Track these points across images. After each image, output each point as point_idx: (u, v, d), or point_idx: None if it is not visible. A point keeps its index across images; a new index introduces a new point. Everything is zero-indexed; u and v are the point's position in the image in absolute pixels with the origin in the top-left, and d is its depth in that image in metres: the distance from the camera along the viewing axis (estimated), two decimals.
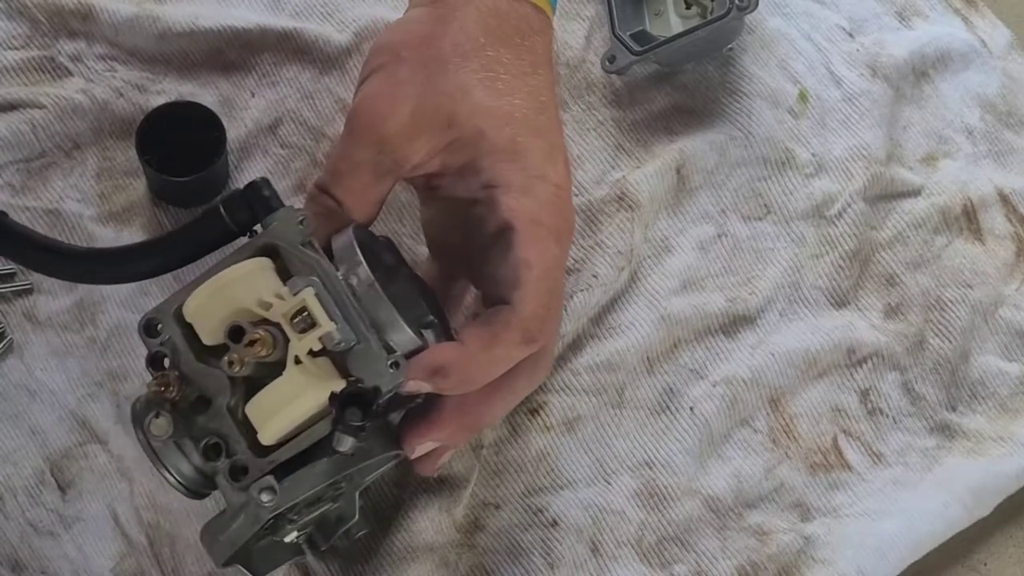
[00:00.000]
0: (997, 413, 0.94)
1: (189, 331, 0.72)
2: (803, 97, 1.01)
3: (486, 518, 0.88)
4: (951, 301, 0.96)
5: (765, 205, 0.98)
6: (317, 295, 0.69)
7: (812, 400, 0.92)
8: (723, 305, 0.94)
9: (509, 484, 0.88)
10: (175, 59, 0.99)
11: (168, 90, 0.98)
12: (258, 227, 0.74)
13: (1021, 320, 0.97)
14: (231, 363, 0.69)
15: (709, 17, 0.97)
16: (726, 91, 1.00)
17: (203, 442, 0.71)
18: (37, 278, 0.91)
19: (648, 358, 0.92)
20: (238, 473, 0.70)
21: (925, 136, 1.02)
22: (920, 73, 1.04)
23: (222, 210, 0.74)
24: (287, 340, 0.69)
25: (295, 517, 0.74)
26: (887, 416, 0.93)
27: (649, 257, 0.95)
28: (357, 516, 0.80)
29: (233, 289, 0.71)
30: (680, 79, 1.01)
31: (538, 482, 0.89)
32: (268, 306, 0.70)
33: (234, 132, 0.96)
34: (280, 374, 0.69)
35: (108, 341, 0.90)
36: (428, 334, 0.74)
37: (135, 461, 0.87)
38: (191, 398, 0.72)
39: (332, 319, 0.69)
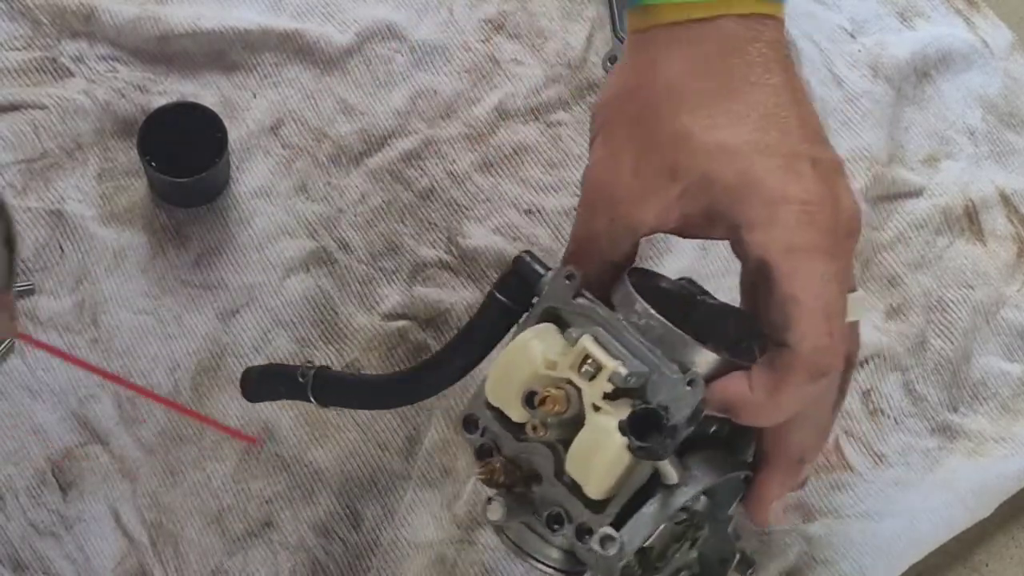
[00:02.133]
0: (999, 414, 0.94)
1: (502, 415, 0.72)
2: None
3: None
4: (953, 302, 0.96)
5: None
6: (596, 338, 0.68)
7: None
8: None
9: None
10: (177, 60, 0.99)
11: (170, 91, 0.98)
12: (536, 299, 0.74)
13: (1022, 321, 0.97)
14: (534, 428, 0.69)
15: None
16: None
17: (545, 515, 0.71)
18: (38, 279, 0.91)
19: None
20: (583, 534, 0.69)
21: (926, 137, 1.02)
22: (922, 74, 1.04)
23: (498, 294, 0.74)
24: (579, 394, 0.69)
25: (659, 565, 0.72)
26: (888, 417, 0.93)
27: (650, 257, 0.95)
28: (737, 555, 0.77)
29: (520, 359, 0.70)
30: None
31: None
32: (554, 364, 0.69)
33: (236, 132, 0.96)
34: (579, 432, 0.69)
35: (110, 342, 0.90)
36: (746, 352, 0.72)
37: (137, 461, 0.87)
38: (524, 479, 0.72)
39: (616, 356, 0.68)
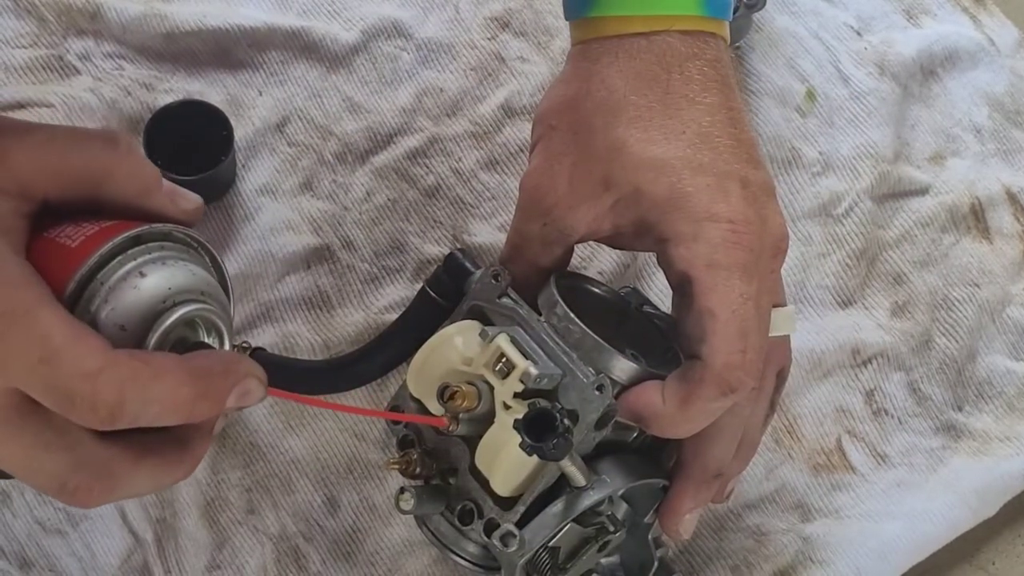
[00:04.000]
0: (1004, 412, 0.94)
1: (424, 407, 0.74)
2: (810, 95, 1.01)
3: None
4: (958, 300, 0.96)
5: None
6: (513, 338, 0.70)
7: (816, 400, 0.92)
8: None
9: None
10: (183, 58, 0.99)
11: (176, 88, 0.98)
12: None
13: None
14: (451, 418, 0.70)
15: None
16: None
17: (457, 508, 0.72)
18: None
19: None
20: (491, 530, 0.71)
21: (933, 135, 1.02)
22: (928, 71, 1.04)
23: (429, 290, 0.78)
24: (490, 392, 0.70)
25: (567, 566, 0.73)
26: (892, 416, 0.93)
27: (653, 256, 0.95)
28: (656, 563, 0.78)
29: (439, 353, 0.73)
30: None
31: None
32: (470, 360, 0.71)
33: (241, 131, 0.97)
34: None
35: None
36: (672, 363, 0.73)
37: None
38: (442, 472, 0.74)
39: (528, 357, 0.69)
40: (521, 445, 0.65)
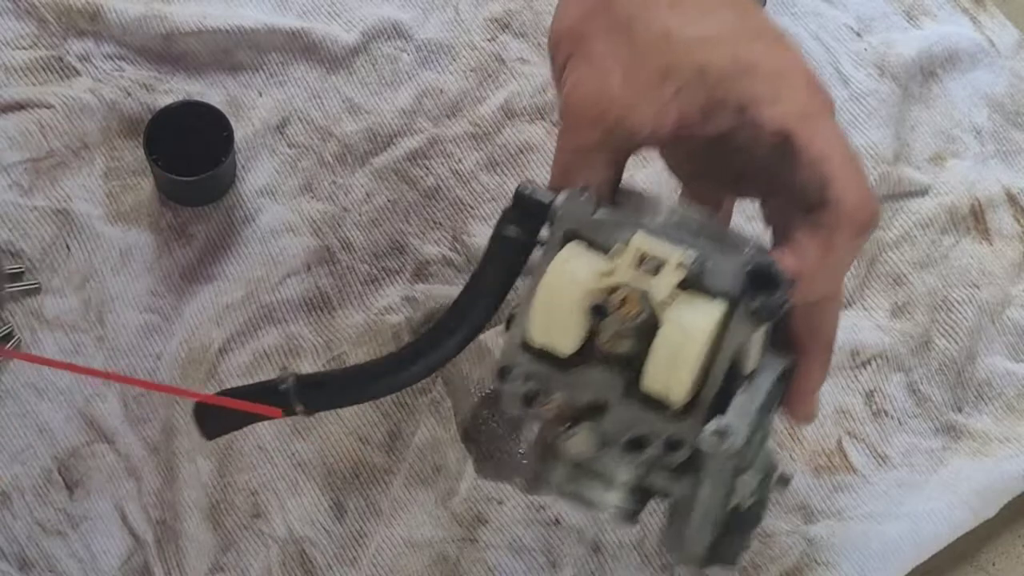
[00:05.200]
0: (1004, 413, 0.94)
1: (541, 357, 0.68)
2: None
3: (489, 512, 0.88)
4: (958, 301, 0.96)
5: None
6: (647, 234, 0.64)
7: None
8: None
9: (512, 480, 0.89)
10: (183, 58, 0.99)
11: (176, 89, 0.98)
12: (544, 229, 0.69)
13: None
14: (614, 336, 0.64)
15: None
16: None
17: (624, 441, 0.65)
18: (44, 278, 0.91)
19: None
20: (675, 448, 0.64)
21: (933, 136, 1.02)
22: (928, 72, 1.04)
23: (505, 233, 0.69)
24: (645, 296, 0.64)
25: (746, 466, 0.67)
26: (892, 417, 0.93)
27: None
28: (778, 469, 0.72)
29: (564, 283, 0.65)
30: None
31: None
32: (610, 271, 0.64)
33: (242, 131, 0.97)
34: (655, 335, 0.64)
35: (116, 340, 0.91)
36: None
37: (142, 459, 0.88)
38: (581, 414, 0.67)
39: (675, 245, 0.64)
40: (746, 307, 0.61)
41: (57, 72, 0.98)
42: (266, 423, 0.89)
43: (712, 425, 0.62)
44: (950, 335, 0.95)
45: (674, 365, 0.63)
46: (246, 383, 0.88)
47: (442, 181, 0.97)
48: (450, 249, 0.95)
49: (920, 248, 0.98)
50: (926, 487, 0.90)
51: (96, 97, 0.96)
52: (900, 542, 0.88)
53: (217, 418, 0.75)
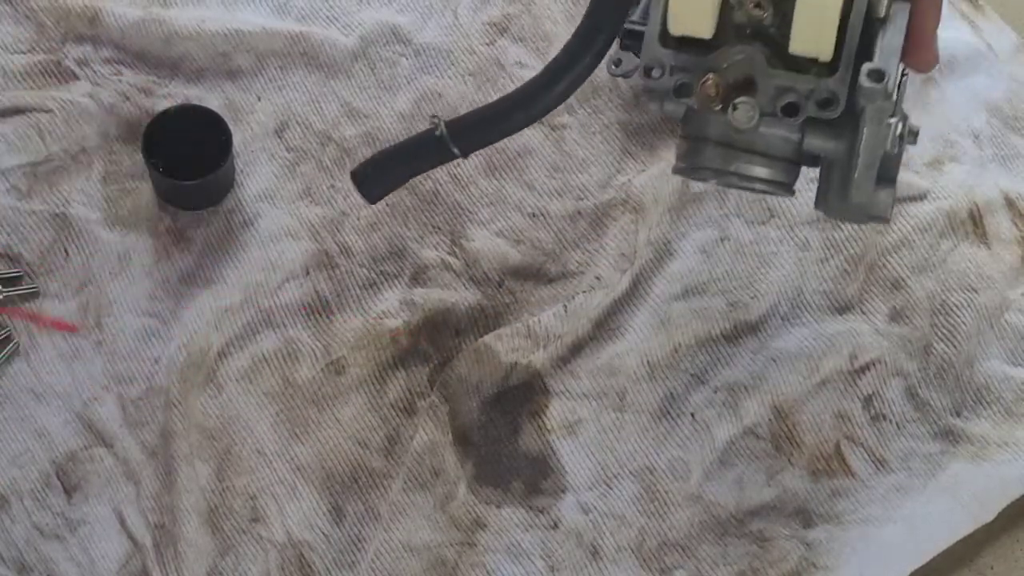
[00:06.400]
0: (1002, 418, 0.94)
1: (682, 46, 0.73)
2: None
3: (487, 516, 0.88)
4: (956, 305, 0.96)
5: (769, 209, 0.98)
6: None
7: (815, 406, 0.92)
8: (725, 310, 0.94)
9: (510, 484, 0.89)
10: (181, 63, 0.99)
11: (174, 94, 0.98)
12: None
13: None
14: (753, 7, 0.71)
15: None
16: None
17: (780, 107, 0.71)
18: (43, 282, 0.91)
19: (648, 362, 0.92)
20: (829, 104, 0.71)
21: (931, 140, 1.02)
22: (926, 77, 1.04)
23: None
24: None
25: (895, 109, 0.73)
26: (891, 422, 0.93)
27: (651, 260, 0.95)
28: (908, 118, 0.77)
29: None
30: None
31: (539, 484, 0.89)
32: None
33: (240, 136, 0.97)
34: (793, 7, 0.70)
35: (114, 344, 0.91)
36: None
37: (140, 463, 0.88)
38: (735, 90, 0.72)
39: None
40: None
41: (56, 76, 0.98)
42: (265, 425, 0.89)
43: (867, 67, 0.68)
44: (949, 339, 0.95)
45: (820, 21, 0.69)
46: (246, 385, 0.89)
47: (440, 185, 0.97)
48: (448, 253, 0.95)
49: (919, 252, 0.98)
50: (924, 491, 0.90)
51: (95, 101, 0.96)
52: (898, 546, 0.88)
53: (378, 178, 0.78)
